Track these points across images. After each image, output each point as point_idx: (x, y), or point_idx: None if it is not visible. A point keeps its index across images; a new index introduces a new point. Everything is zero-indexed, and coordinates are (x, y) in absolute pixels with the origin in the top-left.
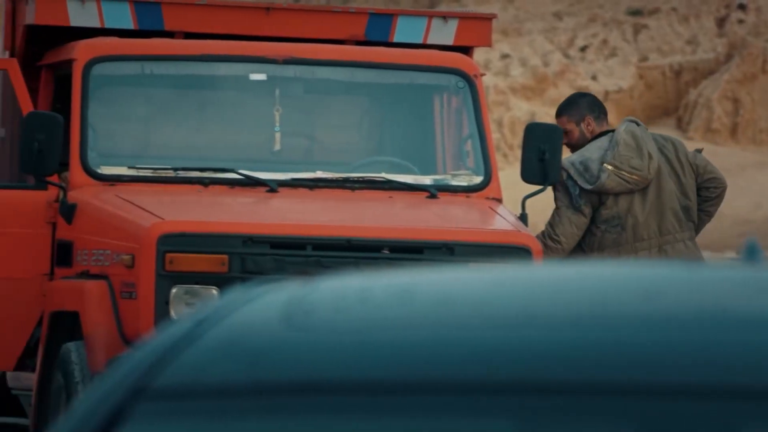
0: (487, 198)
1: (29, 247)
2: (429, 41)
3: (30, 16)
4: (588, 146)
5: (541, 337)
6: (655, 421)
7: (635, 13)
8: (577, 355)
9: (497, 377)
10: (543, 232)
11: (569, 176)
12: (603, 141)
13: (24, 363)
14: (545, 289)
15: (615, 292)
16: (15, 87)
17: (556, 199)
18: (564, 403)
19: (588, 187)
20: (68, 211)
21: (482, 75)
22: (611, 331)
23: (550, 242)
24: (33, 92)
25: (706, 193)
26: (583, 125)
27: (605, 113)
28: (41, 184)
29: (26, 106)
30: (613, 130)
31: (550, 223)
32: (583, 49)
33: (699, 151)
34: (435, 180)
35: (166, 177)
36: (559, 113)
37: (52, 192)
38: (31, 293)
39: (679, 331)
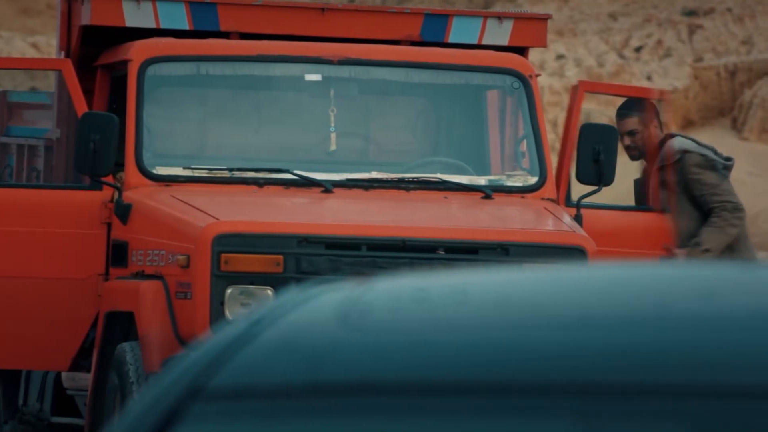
0: (542, 198)
1: (84, 248)
2: (484, 42)
3: (85, 16)
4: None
5: (597, 338)
6: (712, 422)
7: (690, 13)
8: (633, 356)
9: (553, 378)
10: (723, 206)
11: (715, 164)
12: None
13: (79, 363)
14: (601, 289)
15: (671, 292)
16: (69, 87)
17: (704, 183)
18: (620, 405)
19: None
20: (123, 211)
21: (537, 75)
22: (668, 331)
23: (738, 214)
24: (88, 93)
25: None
26: (651, 128)
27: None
28: (96, 185)
29: (81, 106)
30: (672, 135)
31: (727, 199)
32: (638, 49)
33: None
34: (490, 180)
35: (221, 177)
36: (627, 114)
37: (107, 192)
38: (86, 294)
39: (736, 331)
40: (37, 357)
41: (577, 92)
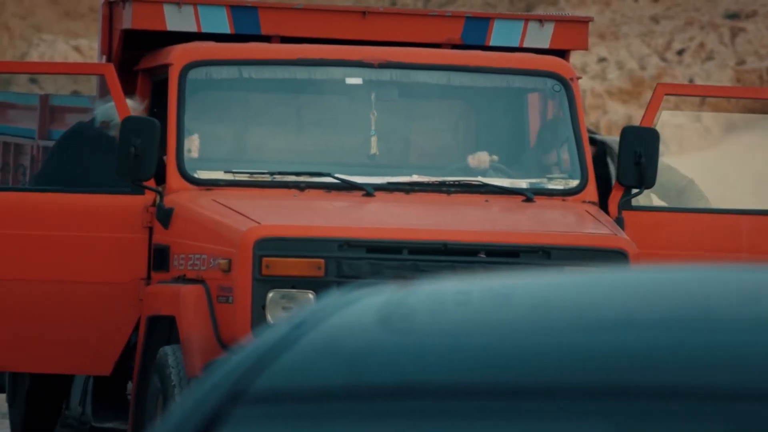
0: (583, 201)
1: (126, 252)
2: (525, 45)
3: (127, 20)
4: None
5: (639, 341)
6: (754, 424)
7: (732, 16)
8: (674, 359)
9: (595, 381)
10: None
11: None
12: None
13: (122, 367)
14: (642, 292)
15: (712, 295)
16: (111, 92)
17: None
18: (662, 408)
19: None
20: (165, 215)
21: (578, 78)
22: (710, 334)
23: None
24: (130, 97)
25: None
26: None
27: None
28: (138, 189)
29: (123, 110)
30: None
31: None
32: (680, 52)
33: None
34: (531, 183)
35: (262, 181)
36: None
37: (148, 196)
38: (128, 298)
39: None
40: (80, 361)
41: (654, 94)
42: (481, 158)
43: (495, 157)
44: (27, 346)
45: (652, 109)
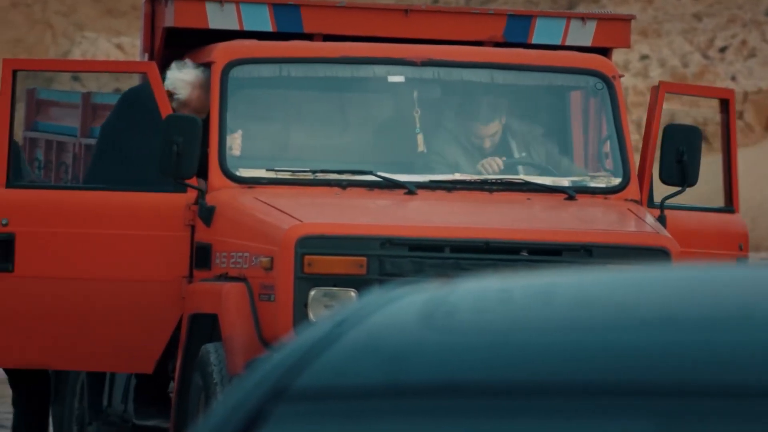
0: (626, 200)
1: (169, 250)
2: (567, 43)
3: (169, 18)
4: None
5: (682, 338)
6: None
7: None
8: (716, 356)
9: (637, 379)
10: None
11: None
12: None
13: (164, 365)
14: (685, 291)
15: (754, 292)
16: (154, 90)
17: None
18: (706, 406)
19: None
20: (207, 213)
21: (621, 76)
22: (752, 332)
23: None
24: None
25: None
26: None
27: None
28: (180, 187)
29: (165, 109)
30: None
31: None
32: (722, 50)
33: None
34: (573, 182)
35: (304, 179)
36: None
37: (191, 194)
38: (171, 296)
39: None
40: (123, 359)
41: (658, 93)
42: (491, 164)
43: (501, 161)
44: (73, 345)
45: (658, 109)
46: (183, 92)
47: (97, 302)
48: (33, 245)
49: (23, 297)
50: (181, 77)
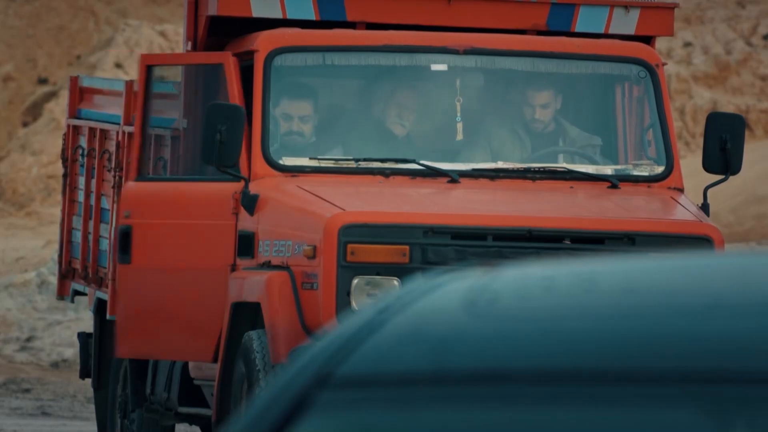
0: (669, 188)
1: (218, 238)
2: (610, 31)
3: (212, 7)
4: None
5: (725, 326)
6: None
7: None
8: (762, 343)
9: (683, 366)
10: None
11: None
12: None
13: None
14: (728, 278)
15: None
16: (228, 81)
17: None
18: (749, 392)
19: None
20: (250, 202)
21: (664, 64)
22: None
23: None
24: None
25: None
26: None
27: None
28: (229, 176)
29: (236, 100)
30: None
31: None
32: (766, 37)
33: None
34: (616, 170)
35: (347, 168)
36: None
37: (238, 183)
38: (221, 283)
39: None
40: (182, 348)
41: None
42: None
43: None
44: (146, 334)
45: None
46: None
47: (160, 291)
48: (145, 237)
49: (140, 288)
50: None
